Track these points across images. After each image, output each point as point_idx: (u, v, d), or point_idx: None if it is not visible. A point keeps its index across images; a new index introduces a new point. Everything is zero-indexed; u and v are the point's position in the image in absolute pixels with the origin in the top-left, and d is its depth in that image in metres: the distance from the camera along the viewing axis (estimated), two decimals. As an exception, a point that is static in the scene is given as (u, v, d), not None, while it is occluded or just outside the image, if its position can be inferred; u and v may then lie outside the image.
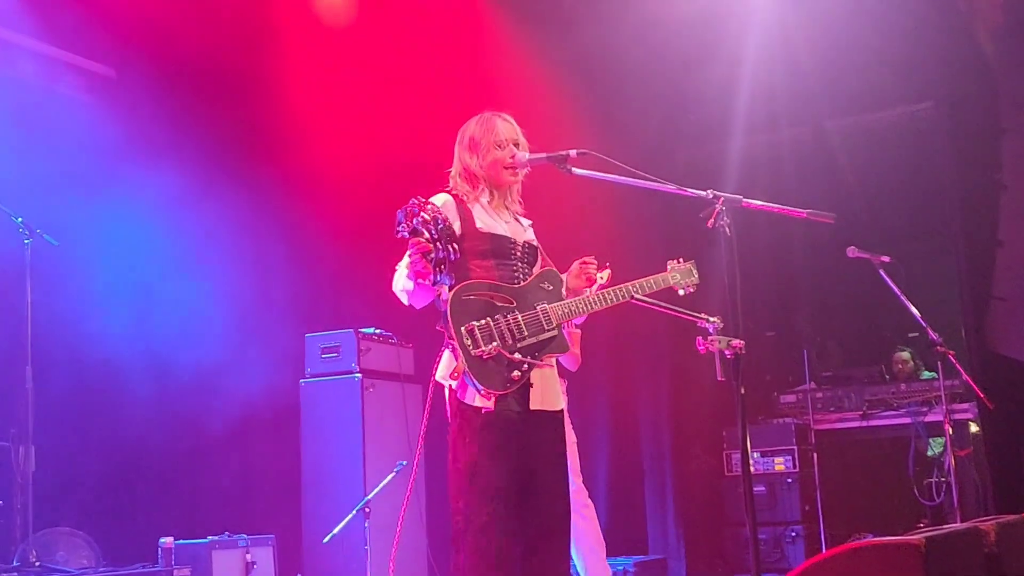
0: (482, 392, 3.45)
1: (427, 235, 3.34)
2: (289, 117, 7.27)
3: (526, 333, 3.56)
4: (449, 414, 3.62)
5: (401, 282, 3.63)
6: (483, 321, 3.49)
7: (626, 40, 7.33)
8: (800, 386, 7.78)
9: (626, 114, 7.75)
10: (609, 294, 3.76)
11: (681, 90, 7.66)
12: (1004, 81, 6.56)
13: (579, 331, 5.45)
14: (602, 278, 4.03)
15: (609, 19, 7.36)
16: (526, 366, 3.53)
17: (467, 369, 3.42)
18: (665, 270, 3.93)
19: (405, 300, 3.66)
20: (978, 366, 6.55)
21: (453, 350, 3.48)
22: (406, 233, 3.38)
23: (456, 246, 3.42)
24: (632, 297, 3.77)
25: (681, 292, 3.91)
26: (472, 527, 3.45)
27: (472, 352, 3.44)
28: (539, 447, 3.62)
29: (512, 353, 3.51)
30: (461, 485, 3.49)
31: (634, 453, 7.99)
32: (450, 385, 3.57)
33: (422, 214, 3.35)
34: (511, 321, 3.54)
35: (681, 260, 3.99)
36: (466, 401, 3.51)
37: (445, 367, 3.59)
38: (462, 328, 3.46)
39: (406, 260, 3.55)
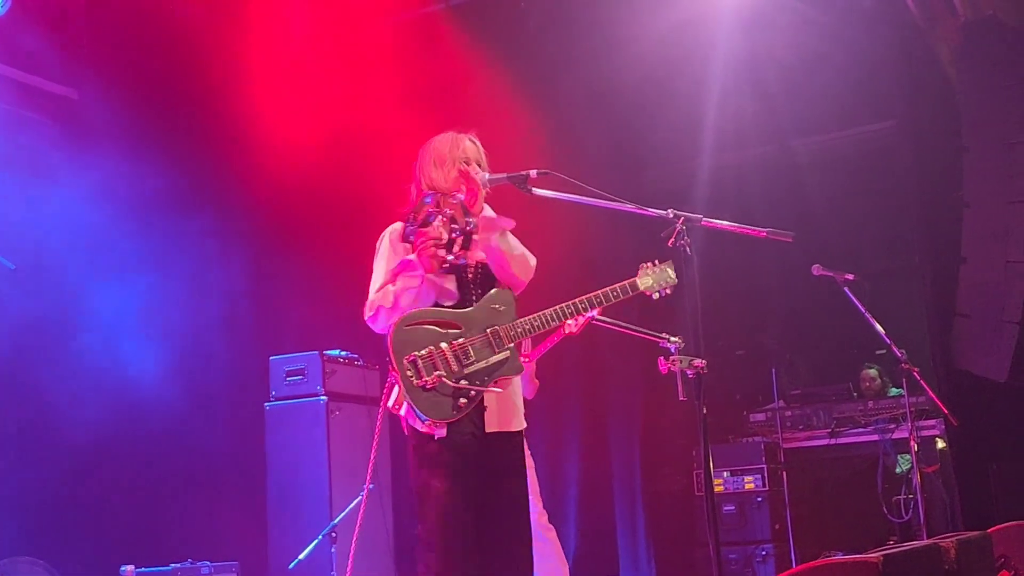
0: (426, 422, 3.43)
1: (438, 223, 3.45)
2: (253, 138, 7.23)
3: (473, 358, 3.53)
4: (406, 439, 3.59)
5: (399, 285, 3.54)
6: (425, 351, 3.47)
7: (593, 59, 7.36)
8: (769, 404, 7.78)
9: (594, 134, 7.76)
10: (563, 309, 3.68)
11: (649, 110, 7.69)
12: (964, 100, 6.63)
13: (533, 364, 5.51)
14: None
15: (576, 39, 7.39)
16: (473, 393, 3.50)
17: (409, 400, 3.40)
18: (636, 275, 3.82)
19: (401, 303, 3.53)
20: (943, 382, 6.58)
21: (397, 381, 3.46)
22: (414, 229, 3.48)
23: (471, 219, 3.46)
24: (594, 306, 3.75)
25: (656, 296, 3.79)
26: (432, 552, 3.42)
27: (414, 383, 3.42)
28: (496, 469, 3.60)
29: (458, 380, 3.47)
30: (419, 510, 3.48)
31: (604, 473, 7.96)
32: (400, 413, 3.54)
33: (427, 210, 3.47)
34: (456, 348, 3.51)
35: (656, 262, 3.85)
36: (417, 428, 3.49)
37: (392, 397, 3.55)
38: (404, 360, 3.44)
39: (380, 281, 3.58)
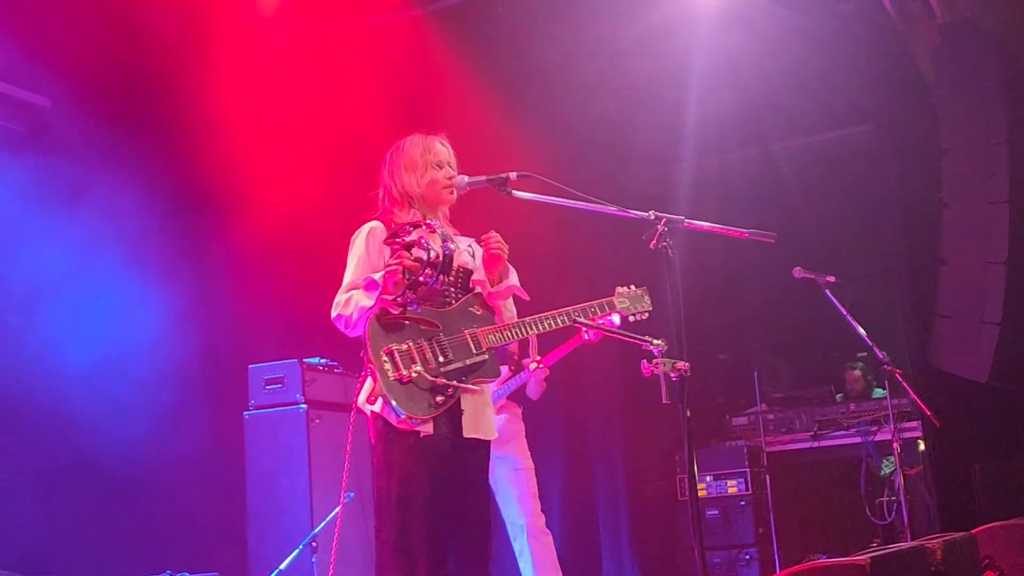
0: (403, 416, 3.39)
1: (416, 255, 3.39)
2: (230, 144, 7.18)
3: (451, 357, 3.51)
4: (373, 439, 3.54)
5: (360, 301, 3.50)
6: (404, 345, 3.43)
7: (573, 62, 7.35)
8: (752, 408, 7.77)
9: (574, 137, 7.75)
10: (546, 320, 3.71)
11: (629, 113, 7.68)
12: (942, 101, 6.64)
13: (546, 369, 5.63)
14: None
15: (555, 41, 7.37)
16: (451, 390, 3.47)
17: (386, 393, 3.36)
18: (613, 295, 3.88)
19: (353, 317, 3.51)
20: (924, 384, 6.57)
21: (372, 374, 3.41)
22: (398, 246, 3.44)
23: (444, 278, 3.44)
24: (574, 321, 3.74)
25: (632, 319, 3.87)
26: (399, 554, 3.37)
27: (391, 376, 3.39)
28: (465, 474, 3.57)
29: (436, 377, 3.44)
30: (388, 510, 3.42)
31: (588, 478, 7.94)
32: (372, 410, 3.49)
33: (424, 239, 3.41)
34: (435, 344, 3.49)
35: (632, 286, 3.93)
36: (393, 424, 3.44)
37: (365, 392, 3.50)
38: (380, 352, 3.40)
39: (349, 280, 3.53)
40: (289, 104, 7.23)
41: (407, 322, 3.49)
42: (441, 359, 3.48)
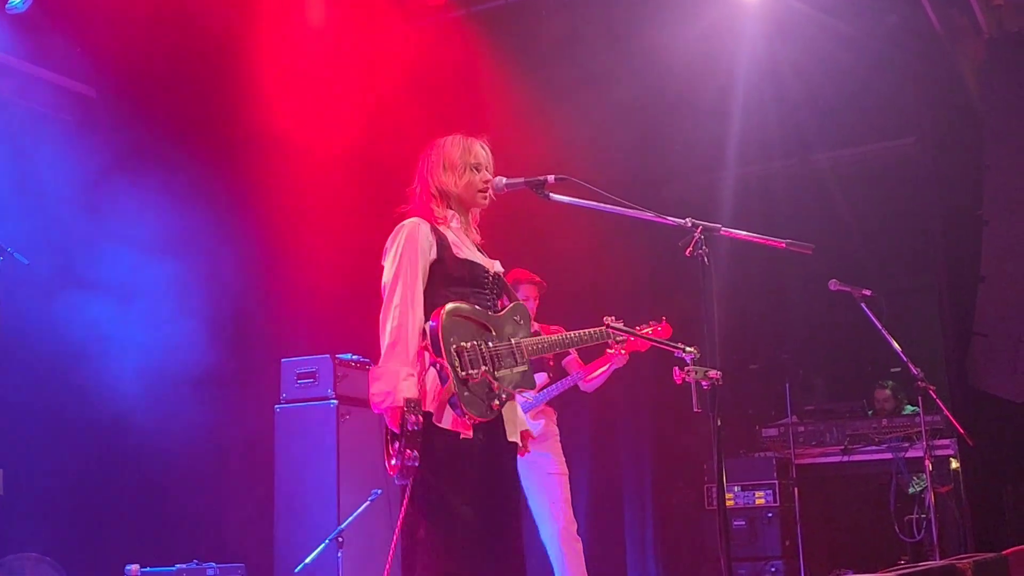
0: (464, 418, 3.35)
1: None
2: (269, 139, 7.24)
3: (503, 363, 3.48)
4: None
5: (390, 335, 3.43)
6: (469, 344, 3.40)
7: (617, 71, 7.34)
8: (782, 420, 7.72)
9: (615, 145, 7.73)
10: (580, 335, 3.74)
11: (671, 121, 7.66)
12: (986, 118, 6.58)
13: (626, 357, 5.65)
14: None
15: (598, 49, 7.37)
16: (504, 395, 3.45)
17: (456, 391, 3.33)
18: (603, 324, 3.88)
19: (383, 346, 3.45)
20: (959, 402, 6.51)
21: (442, 369, 3.36)
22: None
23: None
24: (608, 327, 3.74)
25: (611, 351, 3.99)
26: (434, 556, 3.35)
27: (460, 374, 3.35)
28: (502, 477, 3.55)
29: (493, 381, 3.43)
30: (426, 510, 3.39)
31: (615, 485, 7.92)
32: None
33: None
34: (493, 349, 3.47)
35: (613, 318, 3.98)
36: (441, 425, 3.40)
37: (427, 388, 3.42)
38: (452, 348, 3.36)
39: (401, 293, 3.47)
40: (329, 105, 7.27)
41: (473, 322, 3.46)
42: (497, 363, 3.46)
